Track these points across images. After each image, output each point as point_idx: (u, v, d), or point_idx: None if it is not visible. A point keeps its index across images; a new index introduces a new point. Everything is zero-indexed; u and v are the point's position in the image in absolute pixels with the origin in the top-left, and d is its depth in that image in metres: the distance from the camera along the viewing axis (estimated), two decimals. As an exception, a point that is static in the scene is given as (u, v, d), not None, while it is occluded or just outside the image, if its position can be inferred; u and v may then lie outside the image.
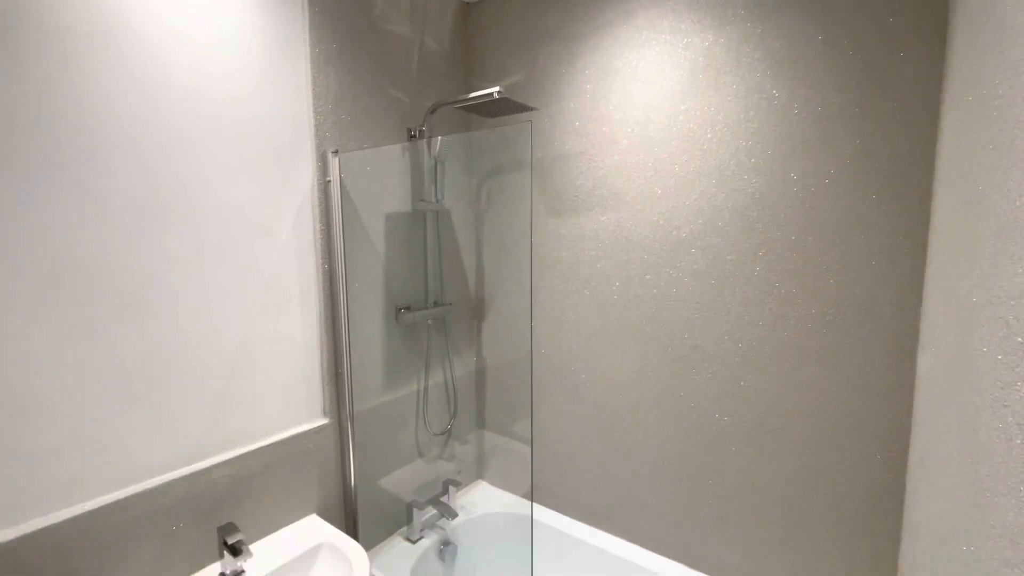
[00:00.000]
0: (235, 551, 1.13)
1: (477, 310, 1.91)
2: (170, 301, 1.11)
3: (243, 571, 1.17)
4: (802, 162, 1.21)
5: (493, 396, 1.94)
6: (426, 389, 1.74)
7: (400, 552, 1.59)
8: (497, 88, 1.34)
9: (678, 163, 1.39)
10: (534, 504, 1.79)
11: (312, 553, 1.26)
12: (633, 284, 1.51)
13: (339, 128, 1.42)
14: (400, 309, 1.62)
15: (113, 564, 1.04)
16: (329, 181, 1.40)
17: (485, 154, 1.84)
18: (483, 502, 1.84)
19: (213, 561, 1.20)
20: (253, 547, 1.25)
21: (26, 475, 0.94)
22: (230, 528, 1.17)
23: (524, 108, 1.49)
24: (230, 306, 1.22)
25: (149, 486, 1.08)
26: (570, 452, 1.71)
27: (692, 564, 1.48)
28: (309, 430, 1.39)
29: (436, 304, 1.73)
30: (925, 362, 1.05)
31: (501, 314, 1.87)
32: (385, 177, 1.57)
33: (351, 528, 1.50)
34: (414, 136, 1.60)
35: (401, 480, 1.67)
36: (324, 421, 1.43)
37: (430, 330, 1.74)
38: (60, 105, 0.94)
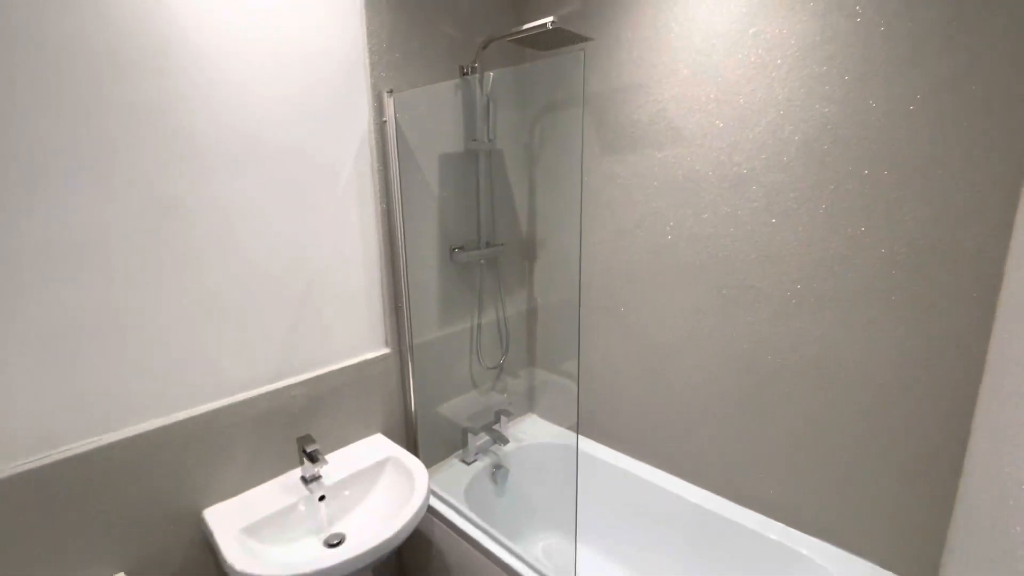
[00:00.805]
0: (313, 458, 1.28)
1: (528, 250, 1.94)
2: (248, 236, 1.21)
3: (320, 476, 1.33)
4: (883, 88, 1.10)
5: (544, 334, 1.99)
6: (479, 326, 1.82)
7: (456, 472, 1.73)
8: (551, 19, 1.29)
9: (743, 93, 1.30)
10: (582, 437, 1.87)
11: (379, 465, 1.41)
12: (688, 223, 1.47)
13: (393, 67, 1.43)
14: (454, 249, 1.68)
15: (214, 460, 1.21)
16: (385, 121, 1.43)
17: (537, 90, 1.79)
18: (533, 432, 1.95)
19: (294, 467, 1.37)
20: (327, 457, 1.41)
21: (149, 384, 1.11)
22: (308, 439, 1.32)
23: (579, 38, 1.43)
24: (300, 242, 1.31)
25: (240, 399, 1.24)
26: (619, 389, 1.76)
27: (737, 500, 1.51)
28: (373, 358, 1.51)
29: (488, 244, 1.77)
30: (1004, 301, 0.98)
31: (552, 254, 1.89)
32: (438, 116, 1.58)
33: (412, 448, 1.65)
34: (466, 73, 1.59)
35: (457, 408, 1.79)
36: (386, 351, 1.55)
37: (483, 270, 1.79)
38: (153, 51, 1.01)
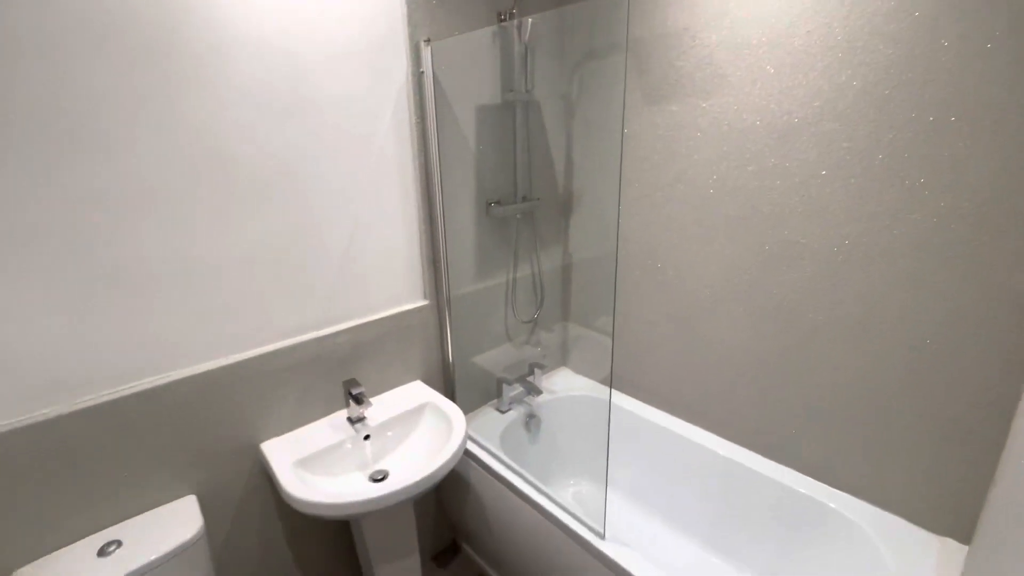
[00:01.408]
0: (358, 400, 1.36)
1: (565, 205, 1.92)
2: (292, 188, 1.25)
3: (364, 417, 1.41)
4: (958, 25, 1.01)
5: (578, 290, 2.00)
6: (514, 280, 1.84)
7: (491, 419, 1.80)
8: (593, -44, 1.23)
9: (798, 36, 1.22)
10: (615, 391, 1.91)
11: (419, 409, 1.48)
12: (732, 176, 1.42)
13: (430, 14, 1.41)
14: (490, 203, 1.68)
15: (269, 399, 1.31)
16: (422, 72, 1.42)
17: (577, 36, 1.72)
18: (565, 385, 1.99)
19: (341, 408, 1.46)
20: (371, 400, 1.49)
21: (209, 327, 1.19)
22: (353, 383, 1.40)
23: (622, -21, 1.36)
24: (341, 195, 1.34)
25: (290, 343, 1.32)
26: (653, 345, 1.77)
27: (769, 455, 1.52)
28: (412, 309, 1.56)
29: (525, 199, 1.77)
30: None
31: (589, 209, 1.87)
32: (475, 66, 1.55)
33: (449, 395, 1.72)
34: (504, 20, 1.54)
35: (492, 359, 1.85)
36: (424, 302, 1.60)
37: (519, 224, 1.80)
38: (195, 7, 1.03)
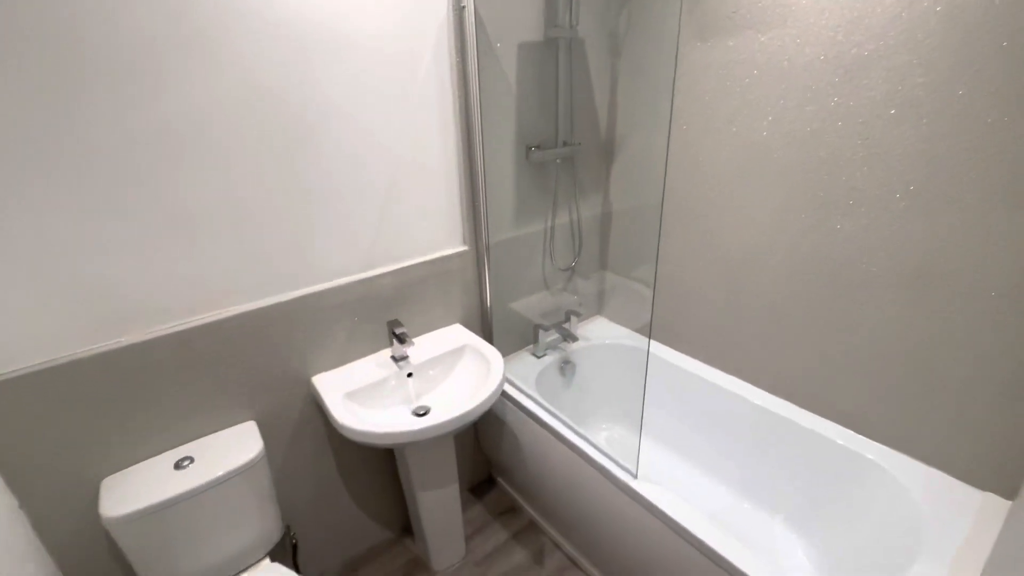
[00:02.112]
0: (401, 340, 1.41)
1: (607, 150, 1.86)
2: (336, 129, 1.26)
3: (407, 356, 1.47)
4: (1070, -65, 0.89)
5: (617, 239, 1.97)
6: (553, 228, 1.83)
7: (527, 363, 1.85)
8: None
9: (877, -45, 1.10)
10: (651, 340, 1.91)
11: (459, 350, 1.53)
12: (788, 118, 1.34)
13: (472, -57, 1.34)
14: (530, 148, 1.65)
15: (318, 336, 1.38)
16: (463, 7, 1.37)
17: (628, -35, 1.61)
18: (600, 333, 2.01)
19: (385, 347, 1.53)
20: (413, 340, 1.55)
21: (263, 266, 1.24)
22: (396, 323, 1.45)
23: None
24: (383, 135, 1.34)
25: (336, 284, 1.37)
26: (692, 294, 1.74)
27: (811, 407, 1.51)
28: (452, 254, 1.58)
29: (565, 144, 1.72)
30: None
31: (632, 155, 1.81)
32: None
33: (487, 339, 1.76)
34: (549, -53, 1.45)
35: (529, 305, 1.87)
36: (464, 248, 1.61)
37: (559, 170, 1.76)
38: (231, -65, 1.01)
